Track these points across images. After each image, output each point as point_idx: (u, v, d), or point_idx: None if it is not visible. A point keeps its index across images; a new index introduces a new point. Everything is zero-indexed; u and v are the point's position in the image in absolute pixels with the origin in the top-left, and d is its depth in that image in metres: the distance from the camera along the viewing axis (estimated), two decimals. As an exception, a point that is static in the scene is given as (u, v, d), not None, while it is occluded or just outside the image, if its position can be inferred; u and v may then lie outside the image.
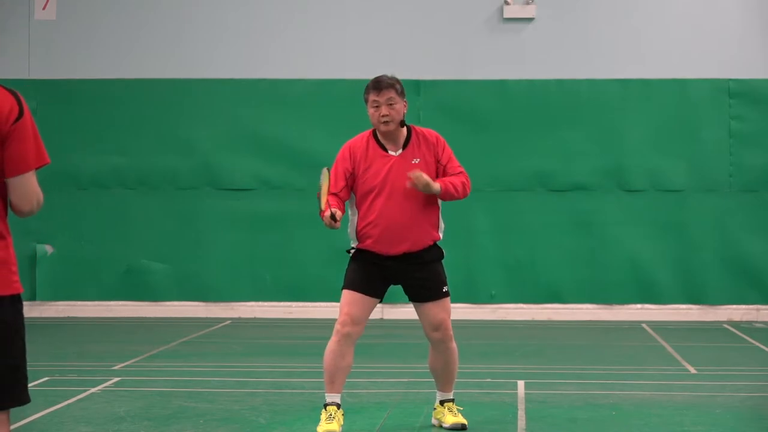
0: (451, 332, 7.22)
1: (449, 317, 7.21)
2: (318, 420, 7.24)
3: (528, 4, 15.09)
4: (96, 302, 15.27)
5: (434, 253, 7.21)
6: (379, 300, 7.19)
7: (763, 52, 15.00)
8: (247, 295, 15.23)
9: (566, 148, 15.00)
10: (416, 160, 7.11)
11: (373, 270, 7.14)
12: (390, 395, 8.74)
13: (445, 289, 7.19)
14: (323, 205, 6.89)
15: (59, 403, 8.39)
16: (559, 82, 15.06)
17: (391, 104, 7.07)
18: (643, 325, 14.23)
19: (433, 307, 7.15)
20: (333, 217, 6.85)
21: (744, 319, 14.81)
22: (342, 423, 7.11)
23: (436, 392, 7.50)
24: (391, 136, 7.15)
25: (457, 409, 7.45)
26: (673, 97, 14.98)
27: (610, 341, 12.89)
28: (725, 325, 14.36)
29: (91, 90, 15.34)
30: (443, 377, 7.39)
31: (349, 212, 7.27)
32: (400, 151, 7.13)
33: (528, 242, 14.94)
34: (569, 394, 8.89)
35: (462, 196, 7.17)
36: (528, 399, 8.61)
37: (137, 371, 10.19)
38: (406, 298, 7.29)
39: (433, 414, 7.55)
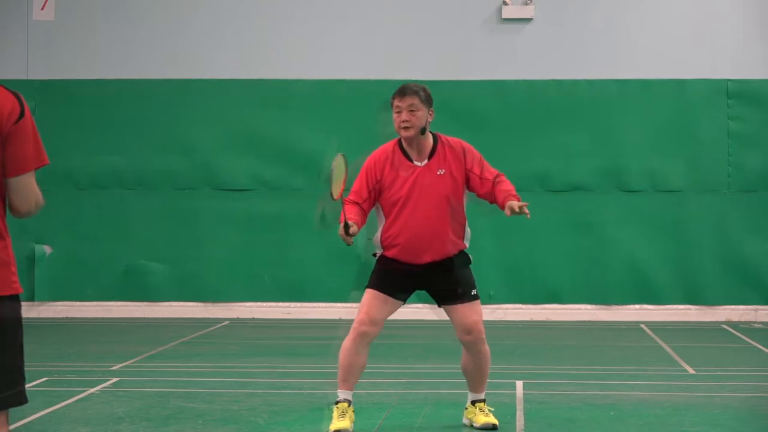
0: (484, 335, 7.22)
1: (481, 320, 7.21)
2: (316, 420, 7.25)
3: (526, 4, 15.09)
4: (95, 303, 15.27)
5: (461, 259, 7.25)
6: (401, 304, 7.19)
7: (762, 53, 15.00)
8: (246, 296, 15.23)
9: (565, 148, 15.01)
10: (441, 171, 7.09)
11: (400, 273, 7.14)
12: (389, 395, 8.75)
13: (474, 292, 7.22)
14: (335, 193, 6.71)
15: (58, 403, 8.39)
16: (558, 83, 15.07)
17: (412, 110, 7.05)
18: (642, 326, 14.24)
19: (463, 310, 7.16)
20: (347, 229, 6.77)
21: (742, 319, 14.81)
22: (353, 420, 7.13)
23: (467, 393, 7.48)
24: (416, 145, 7.12)
25: (488, 410, 7.44)
26: (672, 98, 14.98)
27: (609, 342, 12.90)
28: (724, 326, 14.36)
29: (90, 90, 15.34)
30: (475, 379, 7.38)
31: (377, 221, 7.24)
32: (425, 161, 7.11)
33: (527, 243, 14.94)
34: (568, 395, 8.89)
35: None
36: (527, 399, 8.62)
37: (136, 372, 10.19)
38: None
39: (464, 414, 7.53)
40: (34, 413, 7.91)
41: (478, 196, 7.28)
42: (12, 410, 4.38)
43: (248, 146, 15.24)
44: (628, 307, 14.96)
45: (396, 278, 7.13)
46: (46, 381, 9.47)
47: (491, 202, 7.31)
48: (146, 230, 15.31)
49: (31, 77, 15.31)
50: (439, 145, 7.17)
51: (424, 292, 7.26)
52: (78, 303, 15.29)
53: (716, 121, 14.94)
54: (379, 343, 12.13)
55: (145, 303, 15.27)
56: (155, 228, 15.31)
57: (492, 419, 7.39)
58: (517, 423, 7.69)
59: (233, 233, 15.24)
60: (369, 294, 7.12)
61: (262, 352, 11.80)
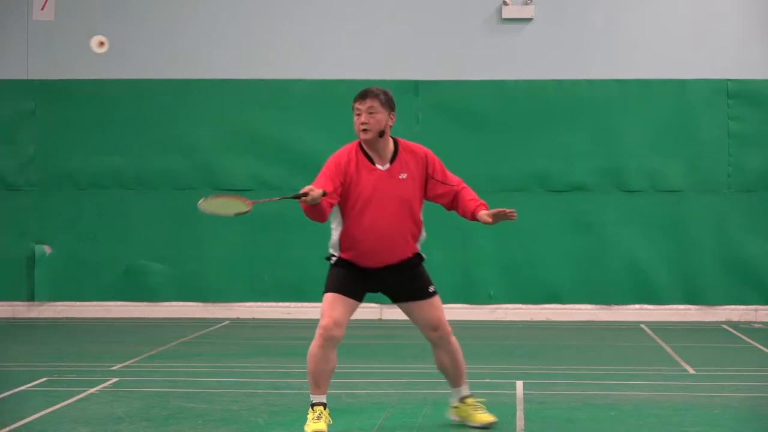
0: (449, 328, 7.29)
1: (443, 314, 7.28)
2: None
3: (526, 4, 15.09)
4: (95, 303, 15.27)
5: (416, 259, 7.28)
6: (359, 303, 7.24)
7: (762, 53, 15.00)
8: (246, 296, 15.23)
9: (565, 148, 15.01)
10: (403, 175, 7.15)
11: (356, 275, 7.22)
12: (388, 396, 8.75)
13: (431, 288, 7.26)
14: (243, 208, 6.97)
15: (58, 403, 8.39)
16: (558, 83, 15.07)
17: (371, 113, 7.08)
18: (642, 326, 14.24)
19: (424, 307, 7.22)
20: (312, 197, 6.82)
21: (742, 319, 14.81)
22: (330, 422, 7.16)
23: (450, 390, 7.52)
24: (377, 149, 7.16)
25: (479, 403, 7.47)
26: (672, 98, 14.98)
27: (609, 342, 12.90)
28: (724, 326, 14.36)
29: (90, 90, 15.34)
30: (453, 373, 7.44)
31: (332, 224, 7.30)
32: (387, 165, 7.16)
33: (526, 243, 14.94)
34: (568, 395, 8.90)
35: None
36: (527, 399, 8.62)
37: (136, 372, 10.20)
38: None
39: (453, 412, 7.55)
40: (34, 413, 7.90)
41: (440, 202, 7.31)
42: (12, 410, 4.38)
43: (248, 146, 15.24)
44: (628, 307, 14.97)
45: (352, 279, 7.20)
46: (46, 381, 9.47)
47: (451, 209, 7.33)
48: (146, 230, 15.32)
49: (31, 77, 15.31)
50: (401, 150, 7.21)
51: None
52: (78, 303, 15.30)
53: (716, 121, 14.94)
54: (378, 343, 12.14)
55: (145, 303, 15.28)
56: (155, 228, 15.31)
57: (489, 416, 7.42)
58: (517, 423, 7.70)
59: (233, 233, 15.25)
60: (330, 298, 7.18)
61: (262, 352, 11.81)
